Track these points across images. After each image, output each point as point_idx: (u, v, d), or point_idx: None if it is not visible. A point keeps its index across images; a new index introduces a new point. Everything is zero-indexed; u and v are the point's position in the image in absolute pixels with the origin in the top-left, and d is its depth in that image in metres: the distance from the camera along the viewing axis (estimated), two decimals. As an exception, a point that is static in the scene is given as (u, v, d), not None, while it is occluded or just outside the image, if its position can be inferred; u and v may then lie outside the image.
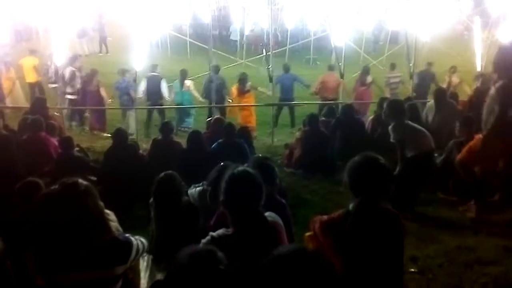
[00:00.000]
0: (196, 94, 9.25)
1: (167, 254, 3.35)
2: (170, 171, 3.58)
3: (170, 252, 3.28)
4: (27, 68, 10.20)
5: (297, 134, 7.18)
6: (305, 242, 2.29)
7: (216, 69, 9.14)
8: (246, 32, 17.52)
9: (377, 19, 18.16)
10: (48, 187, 3.14)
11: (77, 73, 9.26)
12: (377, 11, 18.49)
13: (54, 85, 9.78)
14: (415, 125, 4.85)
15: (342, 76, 8.79)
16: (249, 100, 9.32)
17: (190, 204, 3.59)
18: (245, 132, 6.31)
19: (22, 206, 3.15)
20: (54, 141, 5.69)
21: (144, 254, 2.92)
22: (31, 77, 10.21)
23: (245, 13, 18.26)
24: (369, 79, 9.66)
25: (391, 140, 4.69)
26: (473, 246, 3.88)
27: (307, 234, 2.30)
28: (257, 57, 14.67)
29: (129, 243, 1.97)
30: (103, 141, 8.13)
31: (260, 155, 4.78)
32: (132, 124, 8.84)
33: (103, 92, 9.21)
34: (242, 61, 14.84)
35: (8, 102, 9.83)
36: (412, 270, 3.47)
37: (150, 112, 9.11)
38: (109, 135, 7.40)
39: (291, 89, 9.76)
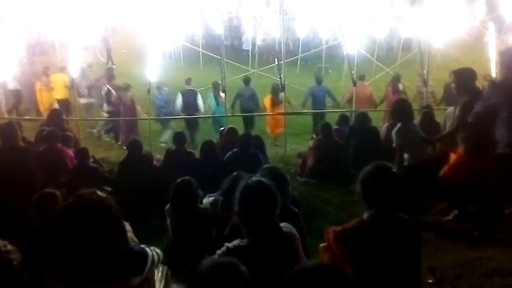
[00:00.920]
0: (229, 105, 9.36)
1: (183, 263, 3.39)
2: (187, 177, 3.62)
3: (185, 261, 3.33)
4: (57, 85, 10.24)
5: (310, 143, 7.16)
6: (319, 253, 2.27)
7: (247, 80, 9.24)
8: (258, 42, 17.62)
9: (389, 26, 18.08)
10: (65, 198, 3.20)
11: (113, 90, 9.47)
12: (389, 18, 18.42)
13: (85, 100, 9.93)
14: (420, 131, 4.82)
15: (354, 83, 8.75)
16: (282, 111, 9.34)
17: (206, 212, 3.61)
18: (258, 142, 6.31)
19: (39, 218, 3.20)
20: (70, 152, 5.78)
21: (159, 265, 2.93)
22: (61, 94, 10.27)
23: (256, 23, 18.38)
24: (400, 86, 9.57)
25: (393, 145, 4.67)
26: (491, 256, 3.80)
27: (322, 245, 2.28)
28: (269, 66, 14.72)
29: (144, 254, 1.98)
30: (118, 151, 8.23)
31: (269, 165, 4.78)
32: (166, 137, 9.00)
33: (138, 107, 9.26)
34: (254, 70, 14.89)
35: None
36: (430, 281, 3.41)
37: (188, 124, 9.21)
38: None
39: (323, 101, 9.75)
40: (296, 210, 2.89)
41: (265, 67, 14.73)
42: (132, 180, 5.24)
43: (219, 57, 9.96)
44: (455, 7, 13.73)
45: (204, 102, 9.44)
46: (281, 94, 9.12)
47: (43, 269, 1.82)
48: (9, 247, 1.74)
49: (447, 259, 3.80)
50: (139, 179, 5.24)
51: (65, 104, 10.22)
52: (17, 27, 10.49)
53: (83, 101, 10.26)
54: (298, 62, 16.51)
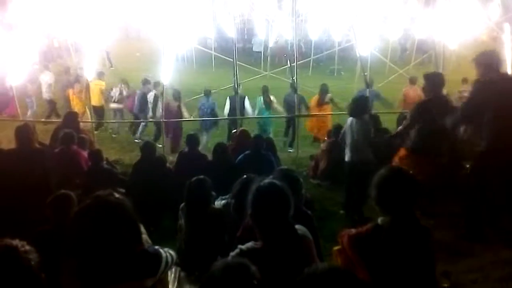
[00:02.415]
0: (280, 109, 9.36)
1: (195, 264, 3.41)
2: (201, 176, 3.64)
3: (198, 262, 3.35)
4: (94, 92, 10.21)
5: (322, 145, 7.14)
6: (333, 256, 2.25)
7: (294, 84, 9.28)
8: (270, 44, 17.64)
9: (403, 28, 17.94)
10: (79, 200, 3.25)
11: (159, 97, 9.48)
12: (403, 19, 18.27)
13: (117, 105, 10.04)
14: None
15: (368, 86, 8.70)
16: (326, 112, 9.32)
17: (219, 212, 3.63)
18: (270, 144, 6.31)
19: (54, 219, 3.24)
20: (85, 154, 5.85)
21: (172, 266, 2.94)
22: (97, 100, 10.28)
23: (269, 25, 18.41)
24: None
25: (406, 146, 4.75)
26: (508, 260, 3.73)
27: (335, 248, 2.27)
28: (281, 68, 14.73)
29: (158, 255, 1.99)
30: (131, 154, 8.31)
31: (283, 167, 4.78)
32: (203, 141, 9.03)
33: (185, 113, 9.31)
34: (267, 72, 14.92)
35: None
36: (445, 285, 3.36)
37: (230, 128, 9.19)
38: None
39: (372, 105, 9.64)
40: (309, 212, 2.88)
41: (277, 69, 14.74)
42: (145, 182, 5.28)
43: (231, 60, 10.01)
44: (469, 8, 13.55)
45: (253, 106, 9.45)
46: (329, 95, 9.13)
47: (59, 270, 1.85)
48: (27, 247, 1.76)
49: (462, 263, 3.75)
50: (152, 181, 5.28)
51: (100, 111, 10.36)
52: (29, 32, 10.61)
53: (113, 105, 10.38)
54: (311, 64, 16.48)
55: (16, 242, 1.74)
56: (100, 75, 10.54)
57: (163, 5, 13.67)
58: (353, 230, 2.15)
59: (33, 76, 10.97)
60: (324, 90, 9.15)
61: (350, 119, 5.44)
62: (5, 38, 8.80)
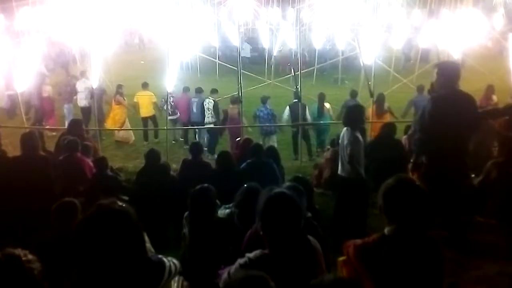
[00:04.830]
0: (334, 117, 9.40)
1: (199, 273, 3.38)
2: (206, 185, 3.64)
3: (201, 271, 3.32)
4: (144, 102, 10.26)
5: (326, 154, 7.11)
6: (338, 267, 2.23)
7: (354, 93, 9.36)
8: (274, 53, 17.73)
9: (407, 37, 18.00)
10: (84, 207, 3.24)
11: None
12: (407, 29, 18.34)
13: (171, 117, 9.98)
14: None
15: (372, 95, 8.70)
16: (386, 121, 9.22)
17: (224, 221, 3.61)
18: (273, 152, 6.30)
19: (58, 226, 3.24)
20: (89, 161, 5.86)
21: (176, 275, 2.92)
22: (147, 112, 10.28)
23: (273, 34, 18.51)
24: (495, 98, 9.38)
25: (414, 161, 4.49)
26: (515, 272, 3.69)
27: (341, 259, 2.24)
28: (285, 77, 14.77)
29: (162, 264, 1.98)
30: (135, 161, 8.32)
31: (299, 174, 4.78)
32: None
33: (244, 120, 9.31)
34: (271, 81, 14.97)
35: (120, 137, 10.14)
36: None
37: (295, 135, 9.25)
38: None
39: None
40: (316, 223, 2.86)
41: (281, 78, 14.78)
42: (149, 190, 5.27)
43: (235, 68, 10.05)
44: (473, 17, 13.60)
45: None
46: (386, 104, 9.08)
47: (63, 278, 1.83)
48: (30, 256, 1.75)
49: (469, 275, 3.70)
50: (156, 188, 5.28)
51: (153, 119, 10.37)
52: (38, 39, 10.71)
53: (170, 118, 10.11)
54: (314, 73, 16.52)
55: (18, 251, 1.74)
56: (145, 86, 10.47)
57: (167, 14, 13.81)
58: (359, 241, 2.13)
59: (69, 84, 11.00)
60: (380, 100, 9.00)
61: (344, 129, 5.17)
62: (24, 47, 8.88)
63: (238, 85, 9.06)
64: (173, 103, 9.95)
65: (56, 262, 2.39)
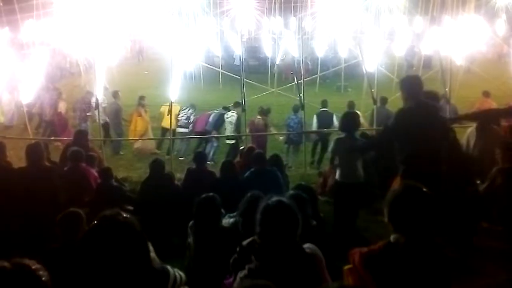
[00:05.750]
0: (366, 124, 9.31)
1: (204, 282, 3.37)
2: (210, 194, 3.64)
3: (206, 281, 3.31)
4: (166, 113, 9.92)
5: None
6: (344, 276, 2.21)
7: (384, 100, 9.37)
8: (277, 62, 17.81)
9: (409, 44, 18.03)
10: (88, 217, 3.25)
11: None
12: (409, 36, 18.39)
13: (182, 130, 9.94)
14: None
15: (375, 102, 8.70)
16: None
17: (229, 230, 3.60)
18: (277, 160, 6.30)
19: (63, 237, 3.24)
20: (94, 171, 5.88)
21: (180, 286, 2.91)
22: (168, 123, 9.93)
23: (275, 43, 18.60)
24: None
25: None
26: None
27: (346, 267, 2.23)
28: (288, 85, 14.82)
29: (166, 273, 1.98)
30: (140, 171, 8.34)
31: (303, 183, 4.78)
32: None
33: (272, 129, 9.33)
34: (274, 89, 15.01)
35: (139, 145, 10.08)
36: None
37: (322, 143, 9.22)
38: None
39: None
40: (320, 231, 2.85)
41: (284, 86, 14.83)
42: (154, 200, 5.28)
43: (238, 77, 10.09)
44: (475, 24, 13.62)
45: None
46: None
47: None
48: (37, 265, 1.76)
49: (477, 283, 3.66)
50: (160, 198, 5.28)
51: (169, 133, 10.06)
52: (42, 51, 10.79)
53: (179, 130, 9.97)
54: (317, 81, 16.57)
55: (27, 261, 1.74)
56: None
57: (171, 25, 13.92)
58: (365, 249, 2.11)
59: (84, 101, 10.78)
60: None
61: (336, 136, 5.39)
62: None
63: (242, 94, 9.10)
64: (193, 118, 9.85)
65: (61, 272, 2.39)
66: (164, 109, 9.99)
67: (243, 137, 9.09)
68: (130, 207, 5.22)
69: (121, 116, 10.54)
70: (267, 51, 17.88)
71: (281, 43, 18.02)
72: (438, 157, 4.31)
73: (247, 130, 9.11)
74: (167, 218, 5.16)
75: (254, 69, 19.26)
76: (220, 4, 20.63)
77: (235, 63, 18.92)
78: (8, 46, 12.26)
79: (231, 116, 9.51)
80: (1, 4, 15.60)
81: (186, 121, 9.87)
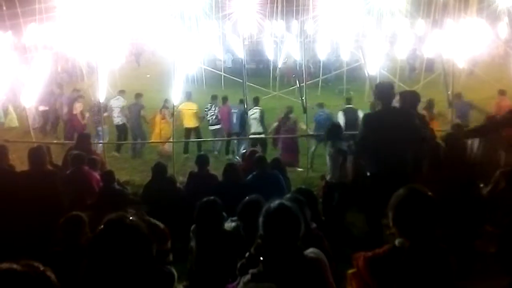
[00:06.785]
0: None
1: (207, 286, 3.36)
2: (212, 197, 3.63)
3: (209, 284, 3.30)
4: (187, 113, 10.20)
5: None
6: (347, 280, 2.20)
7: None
8: (279, 65, 17.84)
9: (411, 47, 18.03)
10: (91, 221, 3.24)
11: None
12: (411, 39, 18.39)
13: (215, 127, 10.12)
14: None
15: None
16: (435, 126, 9.12)
17: (231, 233, 3.59)
18: (279, 163, 6.29)
19: (65, 240, 3.24)
20: (96, 175, 5.88)
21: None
22: (191, 123, 10.23)
23: (277, 46, 18.64)
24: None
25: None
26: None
27: (350, 271, 2.21)
28: (290, 88, 14.84)
29: (172, 275, 1.99)
30: (142, 174, 8.34)
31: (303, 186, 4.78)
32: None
33: (302, 126, 9.31)
34: (276, 93, 15.03)
35: (165, 147, 10.05)
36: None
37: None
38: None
39: (467, 116, 9.46)
40: (321, 233, 2.84)
41: (286, 90, 14.84)
42: (156, 203, 5.27)
43: (240, 80, 10.11)
44: (478, 27, 13.62)
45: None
46: (434, 111, 8.93)
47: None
48: (45, 267, 1.76)
49: (481, 286, 3.64)
50: (163, 201, 5.28)
51: (197, 131, 10.34)
52: (46, 54, 10.80)
53: (212, 128, 10.29)
54: (319, 84, 16.57)
55: (35, 262, 1.74)
56: (189, 96, 10.45)
57: (173, 28, 13.96)
58: (370, 252, 2.09)
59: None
60: (430, 105, 8.83)
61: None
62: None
63: (244, 97, 9.10)
64: (217, 113, 10.00)
65: (64, 275, 2.38)
66: (182, 109, 10.07)
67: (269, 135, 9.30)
68: (133, 211, 5.21)
69: (142, 117, 10.56)
70: (269, 54, 17.91)
71: (283, 46, 18.07)
72: (405, 159, 4.47)
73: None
74: (169, 221, 5.13)
75: (252, 73, 19.33)
76: (222, 7, 20.71)
77: (227, 65, 19.04)
78: (11, 50, 12.32)
79: (255, 113, 9.56)
80: (4, 8, 15.68)
81: (216, 119, 10.06)
